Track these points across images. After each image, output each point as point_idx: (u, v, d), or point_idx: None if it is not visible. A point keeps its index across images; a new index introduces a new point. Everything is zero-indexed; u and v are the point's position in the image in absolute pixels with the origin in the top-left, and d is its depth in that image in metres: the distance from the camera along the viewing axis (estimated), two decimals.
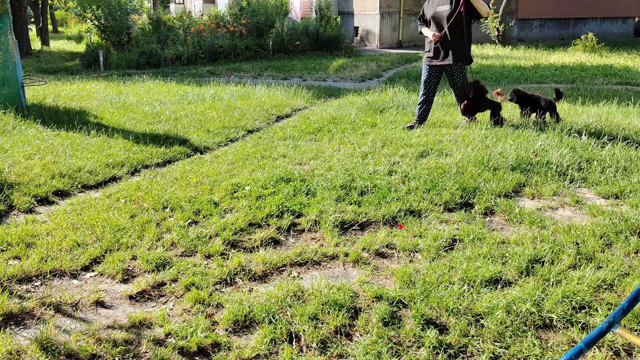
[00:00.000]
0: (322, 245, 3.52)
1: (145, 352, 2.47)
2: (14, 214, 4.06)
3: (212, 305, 2.83)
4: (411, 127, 6.57)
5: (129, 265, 3.27)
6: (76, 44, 25.38)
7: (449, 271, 3.12)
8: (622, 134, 5.97)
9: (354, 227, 3.79)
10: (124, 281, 3.11)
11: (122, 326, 2.66)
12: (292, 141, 6.14)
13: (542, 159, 5.06)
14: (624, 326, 2.59)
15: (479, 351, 2.46)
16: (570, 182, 4.66)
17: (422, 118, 6.67)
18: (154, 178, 4.77)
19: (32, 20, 32.26)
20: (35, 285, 3.05)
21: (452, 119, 7.07)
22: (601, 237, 3.55)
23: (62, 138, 6.03)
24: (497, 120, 6.46)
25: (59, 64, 16.80)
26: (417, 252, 3.42)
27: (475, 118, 6.60)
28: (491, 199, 4.21)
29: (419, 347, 2.49)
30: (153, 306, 2.87)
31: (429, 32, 6.27)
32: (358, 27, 23.22)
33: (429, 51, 6.38)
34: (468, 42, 6.26)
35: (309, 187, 4.41)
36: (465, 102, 6.39)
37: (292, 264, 3.30)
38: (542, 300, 2.78)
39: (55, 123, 6.74)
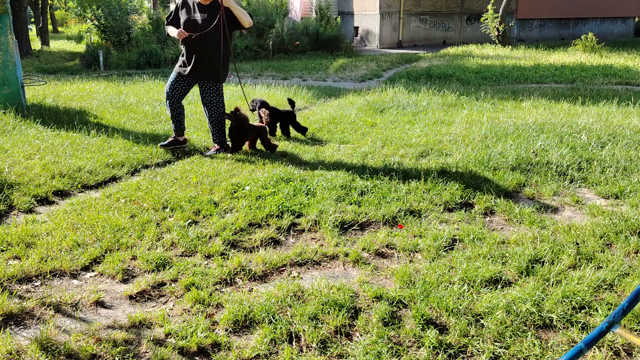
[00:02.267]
0: (322, 245, 3.52)
1: (145, 352, 2.47)
2: (14, 214, 4.06)
3: (212, 305, 2.83)
4: (169, 144, 5.68)
5: (129, 265, 3.27)
6: (76, 44, 25.38)
7: (449, 271, 3.12)
8: (622, 133, 5.97)
9: (354, 227, 3.79)
10: (124, 281, 3.11)
11: (122, 326, 2.66)
12: (292, 141, 6.14)
13: (542, 159, 5.07)
14: (624, 326, 2.59)
15: (479, 351, 2.46)
16: (570, 182, 4.66)
17: (179, 131, 5.77)
18: (154, 178, 4.77)
19: (32, 20, 32.27)
20: (35, 285, 3.05)
21: (451, 119, 7.08)
22: (601, 237, 3.55)
23: (62, 138, 6.03)
24: (268, 145, 5.70)
25: (59, 64, 16.80)
26: (417, 252, 3.42)
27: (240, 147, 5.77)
28: (491, 199, 4.21)
29: (419, 347, 2.49)
30: (153, 306, 2.87)
31: (175, 31, 5.39)
32: (358, 27, 23.22)
33: (181, 62, 5.55)
34: (226, 57, 5.48)
35: (309, 187, 4.41)
36: (229, 133, 5.68)
37: (292, 264, 3.30)
38: (542, 300, 2.78)
39: (55, 123, 6.73)
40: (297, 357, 2.43)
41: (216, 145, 5.80)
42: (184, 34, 5.29)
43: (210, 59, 5.42)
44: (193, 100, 8.86)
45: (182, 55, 5.55)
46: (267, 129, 5.82)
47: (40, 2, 24.98)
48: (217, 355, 2.45)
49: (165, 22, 5.64)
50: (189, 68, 5.46)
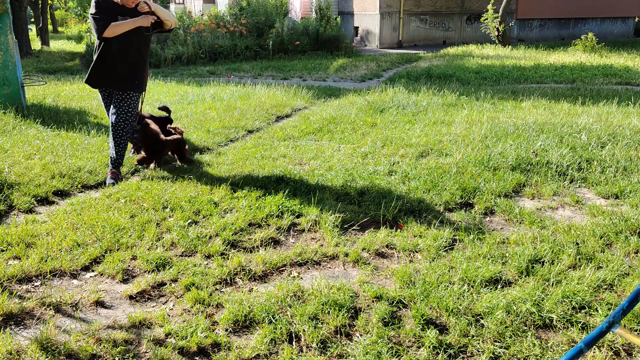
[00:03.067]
0: (322, 245, 3.52)
1: (145, 352, 2.47)
2: (14, 214, 4.06)
3: (212, 305, 2.83)
4: (114, 181, 4.71)
5: (129, 265, 3.27)
6: (76, 44, 25.37)
7: (449, 271, 3.12)
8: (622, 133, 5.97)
9: (354, 227, 3.79)
10: (124, 281, 3.11)
11: (122, 326, 2.66)
12: (292, 141, 6.14)
13: (542, 159, 5.07)
14: (624, 326, 2.59)
15: (479, 351, 2.46)
16: (570, 182, 4.66)
17: (119, 158, 4.88)
18: (154, 178, 4.77)
19: (32, 20, 32.26)
20: (35, 285, 3.05)
21: (451, 119, 7.08)
22: (601, 237, 3.55)
23: (62, 138, 6.03)
24: (185, 158, 5.28)
25: (59, 64, 16.79)
26: (417, 252, 3.42)
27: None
28: (491, 199, 4.21)
29: (419, 347, 2.49)
30: (153, 306, 2.87)
31: (134, 20, 4.68)
32: (358, 27, 23.22)
33: (95, 72, 4.80)
34: (146, 63, 4.97)
35: (309, 187, 4.41)
36: (142, 151, 5.13)
37: (292, 264, 3.30)
38: (542, 300, 2.78)
39: (55, 123, 6.74)
40: (297, 357, 2.43)
41: (111, 167, 4.86)
42: (153, 18, 4.73)
43: (137, 65, 4.86)
44: (193, 100, 8.86)
45: (99, 63, 4.76)
46: (184, 141, 5.30)
47: (40, 2, 24.97)
48: (217, 355, 2.45)
49: (99, 23, 4.63)
50: (111, 79, 4.80)
